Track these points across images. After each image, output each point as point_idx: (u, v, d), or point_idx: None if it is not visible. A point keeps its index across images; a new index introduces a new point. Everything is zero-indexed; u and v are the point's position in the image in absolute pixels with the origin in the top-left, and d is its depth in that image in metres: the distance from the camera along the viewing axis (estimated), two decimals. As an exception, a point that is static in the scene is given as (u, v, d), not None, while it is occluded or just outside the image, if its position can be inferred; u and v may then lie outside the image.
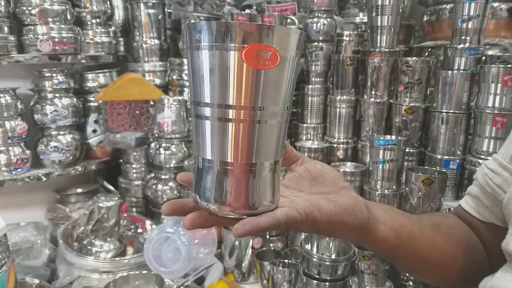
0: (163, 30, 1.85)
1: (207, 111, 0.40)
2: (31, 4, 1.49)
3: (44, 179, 1.52)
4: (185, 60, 1.68)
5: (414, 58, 1.40)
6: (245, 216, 0.42)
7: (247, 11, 1.70)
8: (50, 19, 1.52)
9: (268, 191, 0.43)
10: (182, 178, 0.50)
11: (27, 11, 1.49)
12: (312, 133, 1.62)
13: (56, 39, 1.52)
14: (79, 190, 1.66)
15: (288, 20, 1.56)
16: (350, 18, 1.83)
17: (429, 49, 1.70)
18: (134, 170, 1.70)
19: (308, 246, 1.29)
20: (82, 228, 1.41)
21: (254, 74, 0.38)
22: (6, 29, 1.45)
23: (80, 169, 1.62)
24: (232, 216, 0.42)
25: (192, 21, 0.37)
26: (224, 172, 0.41)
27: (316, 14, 1.55)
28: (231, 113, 0.39)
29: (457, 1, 1.36)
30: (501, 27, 1.51)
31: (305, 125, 1.63)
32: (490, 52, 1.42)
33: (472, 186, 0.65)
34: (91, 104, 1.70)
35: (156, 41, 1.82)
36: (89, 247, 1.35)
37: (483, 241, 0.63)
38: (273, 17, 1.49)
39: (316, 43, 1.57)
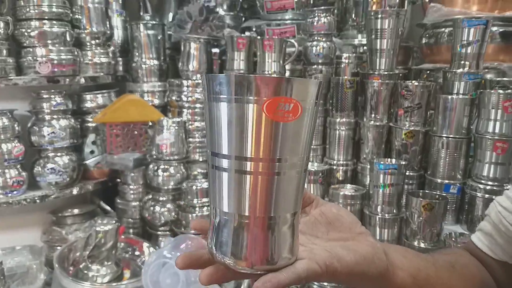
0: (163, 51, 1.86)
1: (225, 163, 0.39)
2: (30, 27, 1.49)
3: (40, 201, 1.50)
4: (184, 82, 1.68)
5: (413, 82, 1.41)
6: (264, 272, 0.40)
7: (247, 33, 1.71)
8: (49, 41, 1.52)
9: (288, 244, 0.41)
10: (196, 226, 0.49)
11: (26, 33, 1.49)
12: (311, 154, 1.61)
13: (55, 61, 1.52)
14: (76, 211, 1.64)
15: (288, 43, 1.56)
16: (349, 39, 1.84)
17: (428, 72, 1.72)
18: (132, 191, 1.68)
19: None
20: (79, 253, 1.39)
21: (275, 127, 0.38)
22: (4, 51, 1.44)
23: (77, 190, 1.60)
24: (250, 272, 0.41)
25: (210, 74, 0.37)
26: (242, 225, 0.40)
27: (316, 38, 1.56)
28: (250, 166, 0.38)
29: (456, 26, 1.37)
30: (499, 51, 1.52)
31: (304, 147, 1.62)
32: (488, 76, 1.43)
33: (485, 222, 0.64)
34: (89, 124, 1.70)
35: (155, 62, 1.83)
36: (85, 272, 1.32)
37: (496, 279, 0.62)
38: (273, 40, 1.50)
39: (315, 66, 1.57)
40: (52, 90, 1.53)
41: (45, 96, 1.52)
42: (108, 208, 1.72)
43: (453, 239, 1.25)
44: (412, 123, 1.39)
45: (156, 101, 1.80)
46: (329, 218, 0.50)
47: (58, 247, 1.50)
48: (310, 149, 0.43)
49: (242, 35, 1.61)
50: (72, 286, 1.25)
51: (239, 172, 0.39)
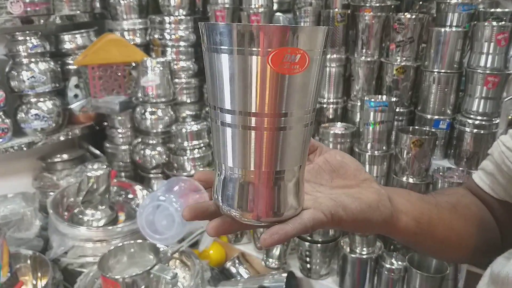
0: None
1: (229, 118, 0.37)
2: (-5, -40, 1.37)
3: (27, 148, 1.47)
4: (166, 18, 1.59)
5: (406, 15, 1.35)
6: (270, 223, 0.40)
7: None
8: (17, -23, 1.40)
9: (294, 196, 0.41)
10: (200, 177, 0.47)
11: (-9, -32, 1.37)
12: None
13: (27, 0, 1.41)
14: (65, 157, 1.63)
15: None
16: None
17: (420, 2, 1.65)
18: (120, 135, 1.66)
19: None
20: (72, 198, 1.40)
21: (282, 80, 0.35)
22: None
23: (64, 135, 1.57)
24: (257, 224, 0.41)
25: (209, 23, 0.33)
26: (248, 180, 0.39)
27: (304, -34, 1.46)
28: (255, 121, 0.36)
29: (452, -48, 1.29)
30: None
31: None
32: (481, 7, 1.38)
33: (487, 162, 0.65)
34: (70, 67, 1.63)
35: (135, -3, 1.71)
36: (80, 216, 1.34)
37: (496, 217, 0.64)
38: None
39: (304, -2, 1.49)
40: (27, 32, 1.44)
41: (20, 38, 1.44)
42: (97, 152, 1.70)
43: (441, 173, 1.28)
44: (404, 58, 1.36)
45: (138, 40, 1.71)
46: (333, 166, 0.49)
47: (51, 193, 1.51)
48: (317, 101, 0.40)
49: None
50: (69, 230, 1.27)
51: (243, 128, 0.37)
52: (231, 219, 0.41)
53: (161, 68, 1.49)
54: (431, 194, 0.64)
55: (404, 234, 0.53)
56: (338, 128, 1.41)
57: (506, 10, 1.28)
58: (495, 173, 0.62)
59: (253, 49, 0.34)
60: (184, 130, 1.45)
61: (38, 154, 1.64)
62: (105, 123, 1.72)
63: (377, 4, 1.45)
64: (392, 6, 1.47)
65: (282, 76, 0.35)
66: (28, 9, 1.42)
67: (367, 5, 1.47)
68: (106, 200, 1.37)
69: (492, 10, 1.31)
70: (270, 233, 0.38)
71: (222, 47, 0.35)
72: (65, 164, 1.60)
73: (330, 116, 1.52)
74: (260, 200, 0.39)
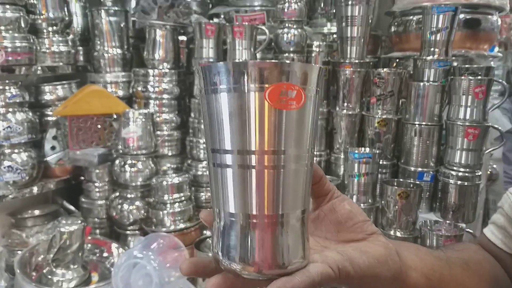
0: (126, 39, 1.76)
1: (227, 159, 0.36)
2: (-21, 12, 1.37)
3: (-3, 202, 1.39)
4: (150, 71, 1.60)
5: (385, 70, 1.40)
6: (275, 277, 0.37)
7: (216, 20, 1.64)
8: (2, 27, 1.40)
9: (299, 245, 0.38)
10: (206, 218, 0.44)
11: (-26, 19, 1.36)
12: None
13: (9, 49, 1.40)
14: (37, 213, 1.54)
15: (259, 31, 1.52)
16: (318, 28, 1.82)
17: (397, 60, 1.72)
18: (97, 189, 1.59)
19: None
20: (42, 257, 1.30)
21: (279, 115, 0.35)
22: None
23: (37, 189, 1.50)
24: (261, 278, 0.37)
25: (206, 63, 0.35)
26: (249, 226, 0.37)
27: (287, 25, 1.52)
28: (254, 159, 0.36)
29: (425, 13, 1.37)
30: (465, 38, 1.54)
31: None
32: (455, 63, 1.44)
33: (498, 215, 0.63)
34: (49, 118, 1.59)
35: (119, 50, 1.73)
36: (49, 276, 1.24)
37: (510, 274, 0.62)
38: (243, 27, 1.44)
39: (287, 54, 1.54)
40: (7, 81, 1.42)
41: (-1, 87, 1.41)
42: (72, 208, 1.62)
43: (428, 227, 1.25)
44: (385, 111, 1.39)
45: (120, 92, 1.70)
46: (341, 217, 0.46)
47: (19, 251, 1.41)
48: (315, 141, 0.40)
49: (211, 21, 1.54)
50: (35, 292, 1.16)
51: (242, 167, 0.36)
52: (232, 275, 0.38)
53: (143, 120, 1.47)
54: (440, 249, 0.61)
55: None
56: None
57: (481, 65, 1.34)
58: (507, 226, 0.60)
59: (251, 85, 0.35)
60: (164, 183, 1.40)
61: (8, 209, 1.54)
62: (82, 178, 1.66)
63: (356, 61, 1.50)
64: (371, 63, 1.53)
65: (279, 112, 0.35)
66: (10, 58, 1.41)
67: (347, 61, 1.52)
68: (79, 259, 1.28)
69: (467, 65, 1.37)
70: (276, 286, 0.35)
71: (220, 86, 0.36)
72: (36, 220, 1.51)
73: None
74: (263, 249, 0.37)
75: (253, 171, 0.36)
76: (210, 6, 1.86)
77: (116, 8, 1.73)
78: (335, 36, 1.85)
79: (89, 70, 1.79)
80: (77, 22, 1.79)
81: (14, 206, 1.55)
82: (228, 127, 0.36)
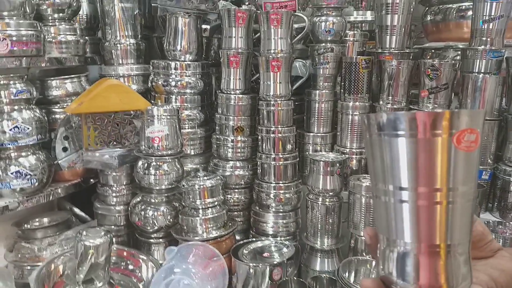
0: (140, 28, 1.59)
1: (405, 195, 0.41)
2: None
3: (2, 213, 1.21)
4: (171, 63, 1.44)
5: (438, 60, 1.30)
6: None
7: (244, 7, 1.50)
8: (5, 13, 1.22)
9: (467, 270, 0.43)
10: (372, 236, 0.47)
11: (-26, 2, 1.18)
12: (320, 142, 1.46)
13: (14, 38, 1.22)
14: (46, 222, 1.36)
15: (295, 19, 1.38)
16: (345, 17, 1.70)
17: (432, 51, 1.62)
18: (114, 194, 1.43)
19: (346, 275, 1.13)
20: (61, 273, 1.13)
21: (462, 156, 0.40)
22: None
23: (46, 196, 1.32)
24: None
25: (386, 114, 0.42)
26: (425, 253, 0.41)
27: (325, 12, 1.40)
28: (435, 196, 0.40)
29: (477, 0, 1.27)
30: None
31: (311, 134, 1.47)
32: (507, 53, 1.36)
33: None
34: (57, 116, 1.41)
35: (132, 40, 1.56)
36: (72, 297, 1.08)
37: None
38: (280, 14, 1.31)
39: (324, 44, 1.41)
40: (12, 75, 1.24)
41: (2, 82, 1.22)
42: (84, 214, 1.45)
43: (491, 228, 1.16)
44: (436, 106, 1.28)
45: (134, 87, 1.54)
46: (474, 238, 0.49)
47: (29, 267, 1.24)
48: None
49: (241, 8, 1.40)
50: (60, 317, 1.00)
51: (422, 202, 0.40)
52: None
53: (169, 117, 1.32)
54: None
55: None
56: (368, 179, 1.28)
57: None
58: None
59: (438, 131, 0.39)
60: (196, 186, 1.26)
61: (12, 218, 1.36)
62: (92, 180, 1.49)
63: (397, 51, 1.40)
64: (411, 54, 1.43)
65: (463, 154, 0.40)
66: (15, 48, 1.23)
67: (386, 52, 1.42)
68: (105, 275, 1.12)
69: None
70: None
71: (404, 132, 0.40)
72: (47, 231, 1.33)
73: (354, 168, 1.40)
74: (436, 273, 0.41)
75: (434, 206, 0.40)
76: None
77: (130, -6, 1.56)
78: (363, 25, 1.75)
79: (96, 62, 1.62)
80: (83, 9, 1.62)
81: (18, 215, 1.37)
82: (412, 167, 0.40)
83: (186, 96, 1.47)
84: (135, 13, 1.57)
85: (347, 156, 1.37)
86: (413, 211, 0.41)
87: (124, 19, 1.55)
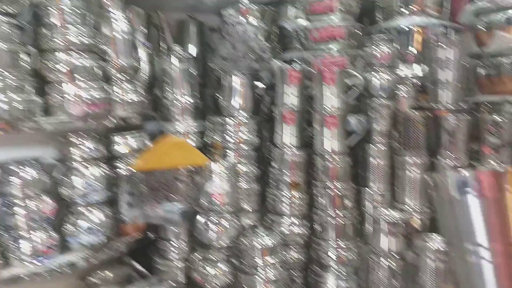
0: (197, 86, 1.67)
1: (481, 252, 0.42)
2: (56, 59, 1.27)
3: (71, 269, 1.24)
4: (228, 120, 1.50)
5: (500, 117, 1.29)
6: None
7: (296, 65, 1.54)
8: (79, 76, 1.31)
9: None
10: None
11: (52, 66, 1.26)
12: (378, 199, 1.45)
13: (88, 100, 1.31)
14: (109, 276, 1.39)
15: (348, 76, 1.42)
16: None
17: (487, 104, 1.61)
18: (174, 249, 1.45)
19: None
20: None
21: None
22: (29, 88, 1.21)
23: (111, 251, 1.36)
24: None
25: (454, 175, 0.41)
26: None
27: (378, 69, 1.43)
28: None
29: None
30: None
31: (369, 190, 1.46)
32: None
33: None
34: (121, 171, 1.47)
35: (189, 98, 1.64)
36: None
37: None
38: (334, 72, 1.35)
39: (378, 99, 1.44)
40: (84, 134, 1.31)
41: (76, 141, 1.30)
42: (144, 270, 1.47)
43: None
44: (500, 162, 1.26)
45: (191, 142, 1.59)
46: None
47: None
48: None
49: (294, 66, 1.46)
50: None
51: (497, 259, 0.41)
52: None
53: (227, 173, 1.36)
54: None
55: None
56: (437, 241, 1.24)
57: None
58: None
59: (506, 189, 0.40)
60: (258, 244, 1.26)
61: (77, 272, 1.39)
62: (151, 235, 1.52)
63: (453, 107, 1.40)
64: (467, 109, 1.42)
65: None
66: (88, 109, 1.31)
67: (441, 107, 1.42)
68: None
69: None
70: None
71: (469, 191, 0.42)
72: (110, 286, 1.36)
73: (417, 226, 1.37)
74: None
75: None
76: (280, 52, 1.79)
77: (188, 55, 1.66)
78: (410, 78, 1.76)
79: (154, 118, 1.70)
80: (143, 69, 1.72)
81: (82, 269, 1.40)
82: (485, 225, 0.39)
83: (242, 152, 1.51)
84: (192, 72, 1.66)
85: (408, 214, 1.35)
86: (491, 268, 0.42)
87: (182, 78, 1.64)
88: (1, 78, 1.13)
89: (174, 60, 1.62)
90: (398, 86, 1.46)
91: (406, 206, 1.38)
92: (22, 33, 1.21)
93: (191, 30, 2.01)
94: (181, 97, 1.63)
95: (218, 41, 1.69)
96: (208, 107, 1.73)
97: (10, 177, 1.16)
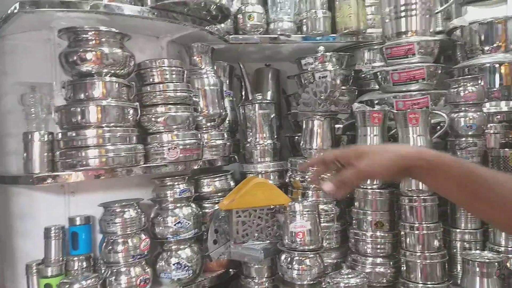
0: (275, 130, 1.77)
1: None
2: (156, 112, 1.43)
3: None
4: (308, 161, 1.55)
5: None
6: None
7: (378, 107, 1.57)
8: (175, 126, 1.45)
9: None
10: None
11: (153, 119, 1.43)
12: (469, 239, 1.38)
13: (181, 146, 1.44)
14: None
15: (432, 115, 1.41)
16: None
17: None
18: (256, 286, 1.49)
19: None
20: None
21: None
22: (134, 138, 1.37)
23: (197, 287, 1.43)
24: None
25: None
26: None
27: (463, 108, 1.41)
28: None
29: None
30: None
31: (459, 230, 1.40)
32: None
33: None
34: (207, 210, 1.57)
35: (269, 141, 1.73)
36: None
37: None
38: (418, 113, 1.35)
39: (465, 139, 1.40)
40: (177, 177, 1.44)
41: (169, 183, 1.42)
42: (228, 305, 1.53)
43: None
44: None
45: (271, 182, 1.66)
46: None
47: None
48: None
49: (375, 108, 1.48)
50: None
51: None
52: None
53: (310, 212, 1.38)
54: None
55: None
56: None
57: None
58: None
59: None
60: (342, 285, 1.25)
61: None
62: (232, 271, 1.58)
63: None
64: None
65: None
66: (182, 155, 1.44)
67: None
68: None
69: None
70: None
71: None
72: (197, 321, 1.42)
73: (514, 269, 1.27)
74: None
75: None
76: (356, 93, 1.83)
77: (268, 101, 1.77)
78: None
79: (236, 160, 1.80)
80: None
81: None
82: None
83: (321, 192, 1.54)
84: (272, 117, 1.77)
85: (503, 255, 1.26)
86: None
87: (263, 123, 1.75)
88: (111, 130, 1.30)
89: (257, 107, 1.74)
90: (485, 123, 1.41)
91: (502, 247, 1.30)
92: (129, 90, 1.39)
93: (268, 78, 2.15)
94: (261, 140, 1.72)
95: (298, 87, 1.79)
96: (285, 148, 1.81)
97: (113, 217, 1.29)
